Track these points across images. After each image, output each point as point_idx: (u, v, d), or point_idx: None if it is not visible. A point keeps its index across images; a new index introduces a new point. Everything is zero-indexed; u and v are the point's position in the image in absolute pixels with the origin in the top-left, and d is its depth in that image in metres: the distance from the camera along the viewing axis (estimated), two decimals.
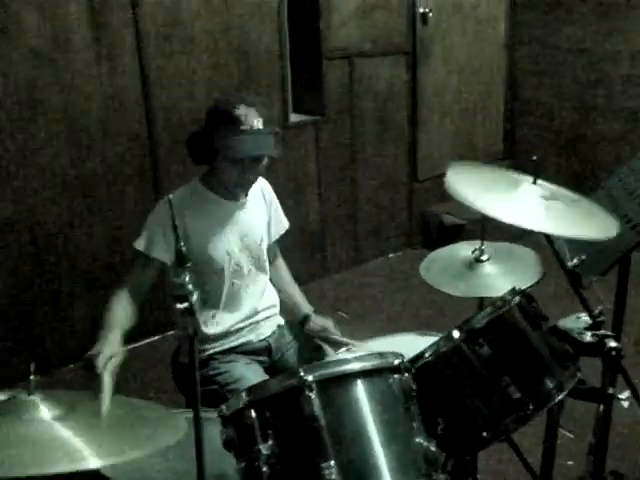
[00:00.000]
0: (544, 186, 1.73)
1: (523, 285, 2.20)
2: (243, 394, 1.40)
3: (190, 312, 1.19)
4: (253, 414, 1.33)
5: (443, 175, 5.61)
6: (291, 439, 1.31)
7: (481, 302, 2.47)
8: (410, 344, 2.15)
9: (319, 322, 2.41)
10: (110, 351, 1.83)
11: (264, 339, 2.36)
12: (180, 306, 1.20)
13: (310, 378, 1.31)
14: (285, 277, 2.56)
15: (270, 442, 1.30)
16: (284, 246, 2.60)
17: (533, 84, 5.12)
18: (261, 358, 2.35)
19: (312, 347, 2.42)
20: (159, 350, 3.65)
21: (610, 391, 1.86)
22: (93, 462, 1.17)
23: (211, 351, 2.28)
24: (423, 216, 4.95)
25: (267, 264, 2.40)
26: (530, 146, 5.24)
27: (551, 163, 5.06)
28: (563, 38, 4.84)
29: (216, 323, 2.27)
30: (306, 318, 2.42)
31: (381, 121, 4.59)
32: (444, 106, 4.89)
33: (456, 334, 1.60)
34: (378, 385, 1.38)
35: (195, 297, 1.20)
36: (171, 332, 3.79)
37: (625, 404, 1.85)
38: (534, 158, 1.70)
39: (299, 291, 2.54)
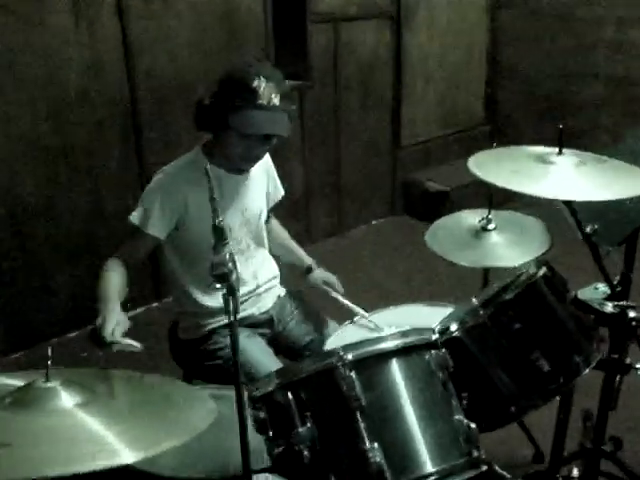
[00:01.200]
0: (570, 154, 1.69)
1: (531, 255, 2.20)
2: (273, 375, 1.35)
3: (231, 292, 1.12)
4: (290, 396, 1.27)
5: (426, 141, 5.57)
6: (331, 421, 1.26)
7: (486, 272, 2.45)
8: (420, 315, 2.13)
9: (322, 274, 2.39)
10: (114, 319, 1.77)
11: (266, 311, 2.31)
12: (219, 286, 1.12)
13: (350, 357, 1.26)
14: (282, 233, 2.52)
15: (309, 425, 1.25)
16: None
17: (515, 49, 5.08)
18: (263, 330, 2.30)
19: (315, 317, 2.37)
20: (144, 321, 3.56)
21: (627, 361, 1.85)
22: (129, 457, 1.08)
23: (212, 325, 2.21)
24: (406, 183, 4.90)
25: (265, 236, 2.34)
26: (511, 111, 5.21)
27: (531, 129, 5.04)
28: (545, 3, 4.79)
29: (216, 297, 2.20)
30: (309, 269, 2.41)
31: (365, 86, 4.51)
32: (427, 71, 4.83)
33: (484, 307, 1.56)
34: (417, 362, 1.34)
35: (235, 276, 1.12)
36: (156, 304, 3.73)
37: None
38: (560, 126, 1.64)
39: (297, 245, 2.52)
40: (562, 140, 1.68)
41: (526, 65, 5.05)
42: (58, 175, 3.35)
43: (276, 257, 2.43)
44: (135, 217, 2.06)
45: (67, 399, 1.21)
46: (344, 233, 4.69)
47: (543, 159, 1.67)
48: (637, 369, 1.86)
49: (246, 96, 1.96)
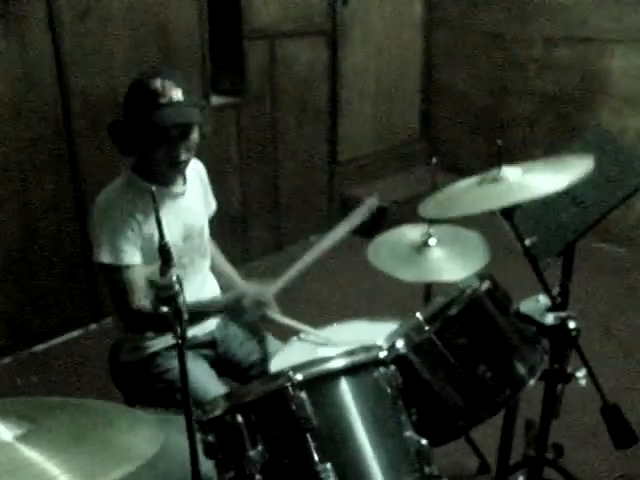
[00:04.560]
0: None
1: (472, 269, 2.22)
2: (221, 398, 1.32)
3: (178, 315, 1.09)
4: (240, 419, 1.24)
5: (363, 157, 5.60)
6: (283, 443, 1.24)
7: (428, 287, 2.47)
8: (363, 331, 2.13)
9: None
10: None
11: (209, 332, 2.27)
12: (166, 309, 1.09)
13: (300, 377, 1.24)
14: (218, 257, 2.45)
15: (260, 447, 1.23)
16: None
17: (449, 66, 5.18)
18: (206, 351, 2.26)
19: (257, 337, 2.34)
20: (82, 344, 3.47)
21: (569, 370, 1.89)
22: None
23: (154, 348, 2.16)
24: (344, 199, 4.92)
25: (208, 251, 2.31)
26: (446, 127, 5.30)
27: (466, 144, 5.14)
28: (478, 22, 4.90)
29: None
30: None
31: (301, 102, 4.52)
32: (363, 87, 4.88)
33: (429, 323, 1.57)
34: (366, 380, 1.34)
35: (182, 299, 1.09)
36: (94, 325, 3.62)
37: (583, 382, 1.87)
38: (499, 143, 1.67)
39: (232, 268, 2.44)
40: (501, 156, 1.71)
41: (460, 82, 5.15)
42: None
43: None
44: (105, 256, 1.98)
45: (5, 432, 1.14)
46: (282, 250, 4.68)
47: (488, 180, 1.70)
48: (577, 378, 1.91)
49: (149, 99, 1.94)
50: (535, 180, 1.64)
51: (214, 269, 2.39)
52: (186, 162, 2.10)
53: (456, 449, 2.56)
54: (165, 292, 1.09)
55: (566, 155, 1.83)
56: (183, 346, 1.14)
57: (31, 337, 3.46)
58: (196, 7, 3.75)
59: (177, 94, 1.98)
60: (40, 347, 3.45)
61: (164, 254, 1.10)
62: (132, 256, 1.99)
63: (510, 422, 1.97)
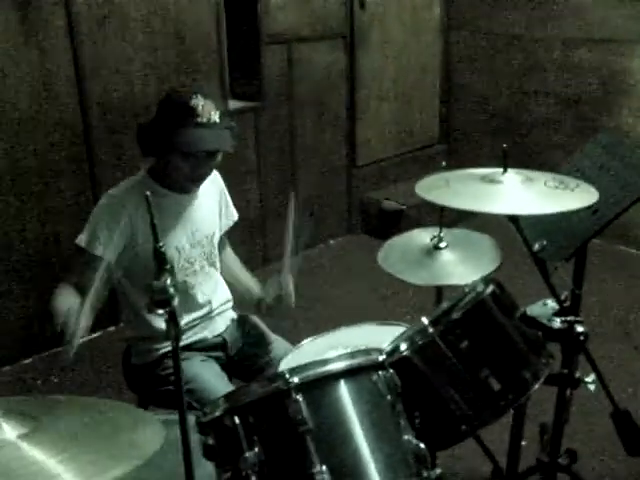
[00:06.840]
0: (516, 172, 1.72)
1: (482, 272, 2.21)
2: (221, 400, 1.33)
3: (172, 319, 1.10)
4: (237, 420, 1.26)
5: (382, 160, 5.60)
6: (279, 445, 1.25)
7: (439, 290, 2.46)
8: (373, 335, 2.13)
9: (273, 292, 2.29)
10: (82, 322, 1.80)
11: (219, 334, 2.29)
12: (161, 312, 1.10)
13: (296, 380, 1.25)
14: (234, 264, 2.47)
15: (256, 449, 1.23)
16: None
17: (468, 69, 5.16)
18: (217, 354, 2.28)
19: (268, 339, 2.36)
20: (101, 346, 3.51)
21: (577, 375, 1.88)
22: None
23: (164, 350, 2.18)
24: (362, 202, 4.92)
25: (218, 259, 2.32)
26: (466, 130, 5.28)
27: (486, 147, 5.12)
28: (497, 24, 4.88)
29: None
30: (260, 301, 2.32)
31: (319, 106, 4.54)
32: (381, 91, 4.87)
33: (433, 326, 1.56)
34: (364, 383, 1.34)
35: (177, 302, 1.11)
36: (113, 327, 3.66)
37: (592, 387, 1.86)
38: (505, 146, 1.67)
39: (249, 276, 2.46)
40: (507, 160, 1.71)
41: (479, 84, 5.13)
42: (8, 199, 3.29)
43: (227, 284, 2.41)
44: (82, 239, 2.04)
45: (9, 430, 1.17)
46: (301, 252, 4.67)
47: (490, 179, 1.70)
48: (586, 383, 1.89)
49: (185, 115, 1.96)
50: (531, 197, 1.63)
51: (230, 278, 2.40)
52: (205, 179, 2.14)
53: (470, 453, 2.54)
54: (158, 295, 1.11)
55: (574, 177, 1.83)
56: (177, 349, 1.15)
57: (52, 339, 3.50)
58: (213, 12, 3.78)
59: (214, 116, 1.99)
60: (61, 348, 3.48)
61: (159, 257, 1.12)
62: (106, 251, 2.00)
63: (519, 426, 1.96)
